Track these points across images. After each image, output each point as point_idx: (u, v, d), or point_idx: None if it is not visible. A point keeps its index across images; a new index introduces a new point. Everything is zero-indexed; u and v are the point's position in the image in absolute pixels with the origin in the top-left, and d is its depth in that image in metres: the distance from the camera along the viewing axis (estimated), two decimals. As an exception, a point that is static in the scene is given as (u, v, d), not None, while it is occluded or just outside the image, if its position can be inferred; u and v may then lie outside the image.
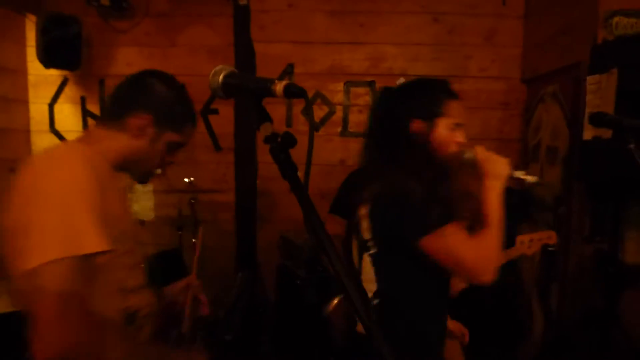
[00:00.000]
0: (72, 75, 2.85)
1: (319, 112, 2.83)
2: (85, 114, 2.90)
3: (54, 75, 2.83)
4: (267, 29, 2.78)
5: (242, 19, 2.75)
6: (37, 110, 2.91)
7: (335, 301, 1.87)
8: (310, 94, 2.81)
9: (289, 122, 2.81)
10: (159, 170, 1.09)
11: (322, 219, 0.52)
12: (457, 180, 1.18)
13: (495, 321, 2.29)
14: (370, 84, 2.78)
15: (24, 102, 2.86)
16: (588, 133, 1.77)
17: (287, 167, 0.53)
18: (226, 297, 2.49)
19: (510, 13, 2.66)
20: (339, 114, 2.82)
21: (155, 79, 1.03)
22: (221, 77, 0.59)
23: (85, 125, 2.90)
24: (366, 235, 1.17)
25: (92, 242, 0.80)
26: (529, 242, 1.55)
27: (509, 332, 2.36)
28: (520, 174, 1.13)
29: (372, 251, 1.18)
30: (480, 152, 1.14)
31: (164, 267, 2.19)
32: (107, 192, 0.90)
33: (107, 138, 0.99)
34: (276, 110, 2.77)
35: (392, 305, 1.16)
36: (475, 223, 1.11)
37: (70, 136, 2.93)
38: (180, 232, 2.45)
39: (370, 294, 1.19)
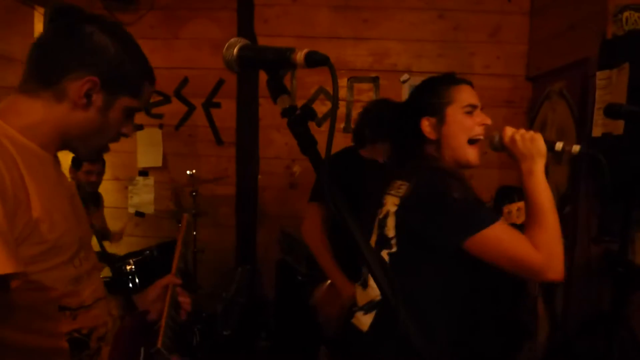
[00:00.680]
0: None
1: (321, 108, 2.80)
2: (89, 106, 2.87)
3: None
4: (270, 23, 2.75)
5: (246, 13, 2.74)
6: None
7: (322, 289, 1.83)
8: (313, 90, 2.79)
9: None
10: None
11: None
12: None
13: (499, 324, 2.26)
14: (374, 79, 2.76)
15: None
16: (597, 130, 1.75)
17: (306, 141, 0.50)
18: (225, 292, 2.47)
19: (516, 10, 2.64)
20: (342, 109, 2.79)
21: (95, 28, 0.78)
22: (236, 49, 0.56)
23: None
24: (390, 233, 1.11)
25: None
26: (516, 212, 1.47)
27: (513, 334, 2.33)
28: (560, 146, 1.01)
29: (393, 249, 1.10)
30: (509, 133, 1.04)
31: (163, 259, 2.16)
32: (35, 186, 0.70)
33: (35, 111, 0.75)
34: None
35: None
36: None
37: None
38: (180, 225, 2.42)
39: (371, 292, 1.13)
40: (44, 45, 0.78)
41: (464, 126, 1.08)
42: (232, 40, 0.57)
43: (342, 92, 2.80)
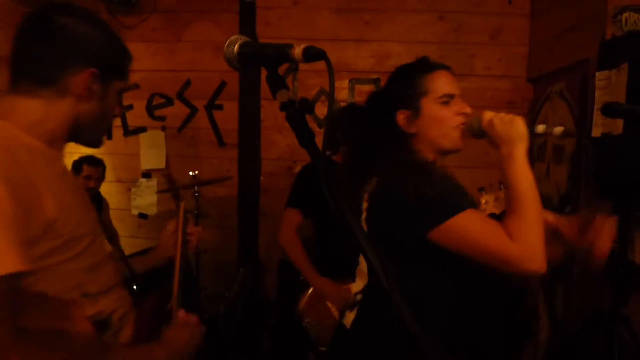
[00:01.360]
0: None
1: (323, 109, 2.82)
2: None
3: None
4: (272, 26, 2.77)
5: (247, 16, 2.76)
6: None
7: (306, 296, 1.85)
8: (314, 91, 2.81)
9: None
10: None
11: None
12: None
13: (500, 324, 2.26)
14: (375, 81, 2.77)
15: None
16: (597, 130, 1.76)
17: (304, 134, 0.51)
18: (227, 292, 2.48)
19: (516, 11, 2.66)
20: (343, 111, 2.81)
21: (74, 19, 0.78)
22: (236, 46, 0.58)
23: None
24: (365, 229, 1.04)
25: (7, 261, 0.63)
26: (494, 202, 1.43)
27: (514, 335, 2.33)
28: (542, 129, 0.96)
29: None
30: (487, 116, 0.97)
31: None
32: (41, 185, 0.71)
33: (36, 110, 0.76)
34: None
35: (377, 304, 1.01)
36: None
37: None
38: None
39: (358, 288, 1.11)
40: (30, 45, 0.77)
41: (440, 118, 1.02)
42: (233, 37, 0.59)
43: (344, 94, 2.82)
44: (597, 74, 1.74)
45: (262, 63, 0.56)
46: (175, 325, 0.93)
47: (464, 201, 0.95)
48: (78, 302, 0.78)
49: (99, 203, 2.61)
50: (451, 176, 1.05)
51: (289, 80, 2.81)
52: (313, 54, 0.51)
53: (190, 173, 2.52)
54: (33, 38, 0.77)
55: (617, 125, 1.59)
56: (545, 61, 2.46)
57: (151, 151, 2.88)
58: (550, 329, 2.23)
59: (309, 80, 2.80)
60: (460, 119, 1.02)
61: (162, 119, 2.87)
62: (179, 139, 2.87)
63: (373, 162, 1.05)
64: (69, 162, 2.52)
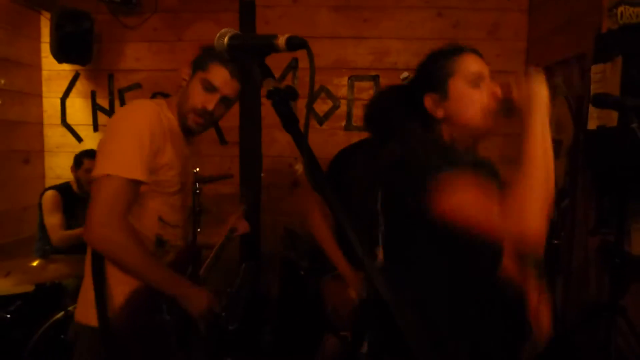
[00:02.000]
0: (83, 70, 2.90)
1: (323, 107, 2.85)
2: (95, 108, 2.95)
3: (66, 70, 2.88)
4: (272, 24, 2.80)
5: (247, 15, 2.79)
6: (50, 104, 2.96)
7: (328, 280, 1.86)
8: (314, 89, 2.83)
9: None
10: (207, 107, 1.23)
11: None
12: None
13: (498, 317, 2.27)
14: (374, 78, 2.80)
15: (38, 96, 2.92)
16: (592, 122, 1.77)
17: (289, 119, 0.54)
18: (230, 288, 2.51)
19: (514, 7, 2.67)
20: (343, 108, 2.83)
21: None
22: (226, 39, 0.61)
23: (95, 119, 2.96)
24: (380, 208, 1.04)
25: (136, 171, 1.09)
26: None
27: (512, 328, 2.35)
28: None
29: (381, 227, 1.04)
30: (512, 83, 0.92)
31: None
32: (167, 143, 1.16)
33: (175, 97, 1.27)
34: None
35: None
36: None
37: (80, 130, 2.99)
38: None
39: None
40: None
41: (469, 99, 0.96)
42: (223, 30, 0.62)
43: (343, 91, 2.84)
44: (592, 67, 1.75)
45: (250, 53, 0.59)
46: (197, 286, 1.24)
47: (467, 163, 0.90)
48: (154, 221, 1.20)
49: None
50: (482, 162, 1.02)
51: (289, 78, 2.84)
52: (295, 43, 0.54)
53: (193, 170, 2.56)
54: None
55: (612, 118, 1.61)
56: (543, 56, 2.47)
57: (154, 149, 2.92)
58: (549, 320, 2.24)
59: (307, 78, 2.83)
60: (490, 102, 0.97)
61: (164, 117, 2.91)
62: (181, 137, 2.92)
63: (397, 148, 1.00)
64: (69, 159, 2.59)
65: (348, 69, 2.81)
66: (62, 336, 1.86)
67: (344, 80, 2.82)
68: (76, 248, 2.10)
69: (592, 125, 1.76)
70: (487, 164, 1.07)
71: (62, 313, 1.92)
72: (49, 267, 1.94)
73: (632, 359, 1.71)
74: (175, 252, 1.28)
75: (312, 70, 0.48)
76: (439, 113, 0.99)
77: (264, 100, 2.85)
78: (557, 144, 2.28)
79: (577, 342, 1.92)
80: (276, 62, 2.84)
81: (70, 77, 2.93)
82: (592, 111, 1.76)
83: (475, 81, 0.98)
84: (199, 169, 2.62)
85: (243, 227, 1.68)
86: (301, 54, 2.75)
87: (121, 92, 2.92)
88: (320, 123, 2.84)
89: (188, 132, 1.27)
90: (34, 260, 2.01)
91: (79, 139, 2.98)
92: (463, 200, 0.84)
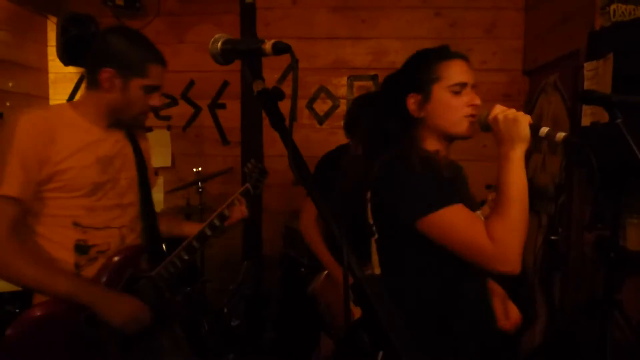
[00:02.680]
0: (88, 73, 2.97)
1: (323, 106, 2.89)
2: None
3: (72, 72, 2.94)
4: (271, 26, 2.85)
5: (248, 17, 2.84)
6: (55, 106, 3.04)
7: (320, 279, 1.91)
8: (314, 89, 2.87)
9: (291, 123, 2.88)
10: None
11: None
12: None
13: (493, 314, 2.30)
14: (373, 77, 2.83)
15: (45, 99, 2.98)
16: (586, 119, 1.80)
17: (276, 117, 0.58)
18: (232, 285, 2.56)
19: (510, 5, 2.70)
20: (342, 107, 2.87)
21: (109, 34, 1.17)
22: (219, 44, 0.65)
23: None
24: (370, 219, 1.08)
25: (7, 188, 1.04)
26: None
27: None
28: (545, 131, 0.91)
29: (375, 236, 1.08)
30: (494, 112, 0.95)
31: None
32: (63, 147, 1.10)
33: (90, 98, 1.19)
34: (281, 105, 2.84)
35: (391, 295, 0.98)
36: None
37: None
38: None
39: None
40: (88, 55, 1.18)
41: (450, 107, 1.01)
42: (217, 36, 0.66)
43: (343, 91, 2.88)
44: (585, 64, 1.78)
45: (241, 57, 0.63)
46: (117, 294, 1.16)
47: (454, 195, 0.96)
48: (69, 227, 1.14)
49: None
50: (454, 168, 1.06)
51: (289, 79, 2.88)
52: (280, 48, 0.59)
53: (194, 169, 2.62)
54: (91, 51, 1.18)
55: (605, 114, 1.63)
56: (539, 53, 2.50)
57: (157, 150, 2.97)
58: (547, 314, 2.27)
59: (308, 78, 2.87)
60: (469, 110, 1.01)
61: (167, 118, 2.96)
62: (184, 138, 2.96)
63: (378, 149, 1.06)
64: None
65: (347, 69, 2.85)
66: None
67: (343, 80, 2.86)
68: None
69: (586, 121, 1.79)
70: (459, 169, 1.12)
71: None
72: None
73: (629, 351, 1.73)
74: (109, 256, 1.19)
75: (296, 73, 0.52)
76: (420, 114, 1.04)
77: (264, 100, 2.89)
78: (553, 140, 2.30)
79: (574, 336, 1.95)
80: (276, 62, 2.88)
81: (75, 80, 2.99)
82: (586, 108, 1.78)
83: (458, 89, 1.02)
84: (202, 169, 2.69)
85: (238, 213, 1.40)
86: (303, 53, 2.82)
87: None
88: (320, 123, 2.88)
89: (120, 126, 1.22)
90: None
91: (85, 140, 3.04)
92: (450, 235, 0.94)
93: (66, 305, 1.10)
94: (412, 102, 1.05)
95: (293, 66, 0.54)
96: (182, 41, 2.91)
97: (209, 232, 1.33)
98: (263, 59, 0.69)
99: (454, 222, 0.93)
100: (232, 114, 2.92)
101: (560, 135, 0.93)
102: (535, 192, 2.37)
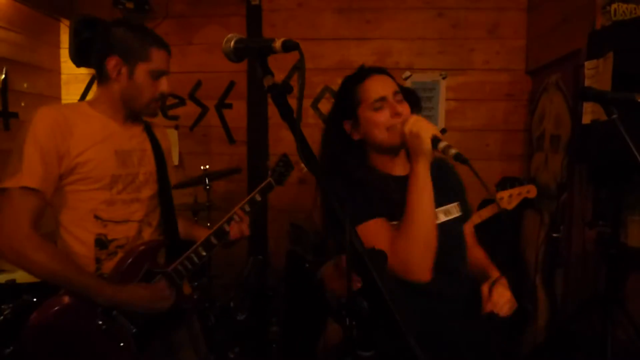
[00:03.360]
0: (98, 74, 3.04)
1: (328, 106, 2.93)
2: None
3: (84, 74, 3.02)
4: (277, 27, 2.90)
5: (254, 19, 2.89)
6: (67, 106, 3.12)
7: (329, 266, 1.95)
8: (319, 88, 2.92)
9: (299, 116, 2.93)
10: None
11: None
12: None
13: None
14: (378, 77, 2.87)
15: (57, 99, 3.06)
16: (587, 117, 1.83)
17: (285, 110, 0.63)
18: (239, 282, 2.61)
19: (513, 5, 2.73)
20: (347, 107, 2.92)
21: (111, 26, 1.19)
22: (232, 43, 0.70)
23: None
24: None
25: (29, 180, 1.06)
26: (508, 198, 1.55)
27: (514, 319, 2.39)
28: (442, 146, 0.94)
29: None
30: (407, 126, 0.99)
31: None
32: (82, 141, 1.13)
33: (103, 93, 1.21)
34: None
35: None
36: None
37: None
38: (195, 218, 2.59)
39: None
40: (94, 48, 1.21)
41: (376, 124, 1.06)
42: (230, 35, 0.71)
43: (347, 91, 2.92)
44: (585, 63, 1.81)
45: (252, 55, 0.68)
46: (139, 284, 1.18)
47: (373, 211, 1.01)
48: (90, 220, 1.16)
49: None
50: (387, 182, 1.09)
51: (294, 79, 2.93)
52: (289, 46, 0.63)
53: (202, 167, 2.67)
54: (96, 46, 1.21)
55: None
56: (542, 53, 2.53)
57: (165, 149, 3.03)
58: (549, 312, 2.29)
59: (313, 78, 2.92)
60: (396, 120, 1.05)
61: (175, 118, 3.02)
62: (192, 137, 3.02)
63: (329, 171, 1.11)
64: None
65: (351, 69, 2.82)
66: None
67: (348, 80, 2.90)
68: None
69: (586, 119, 1.82)
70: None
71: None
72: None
73: (630, 348, 1.75)
74: (127, 250, 1.20)
75: (302, 68, 0.57)
76: (356, 136, 1.12)
77: (270, 101, 2.94)
78: (556, 139, 2.33)
79: (576, 333, 1.97)
80: (282, 63, 2.93)
81: (87, 80, 3.06)
82: (587, 106, 1.81)
83: (378, 104, 1.07)
84: (209, 166, 2.75)
85: (237, 231, 1.36)
86: (309, 53, 2.84)
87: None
88: (325, 121, 2.92)
89: (136, 119, 1.25)
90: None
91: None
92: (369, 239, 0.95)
93: (75, 301, 1.11)
94: (347, 126, 1.13)
95: (301, 61, 0.58)
96: (190, 43, 2.97)
97: (227, 229, 1.34)
98: (269, 61, 0.72)
99: (368, 237, 0.96)
100: (238, 114, 2.98)
101: (452, 151, 0.94)
102: (538, 190, 2.40)
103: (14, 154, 1.09)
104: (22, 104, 2.60)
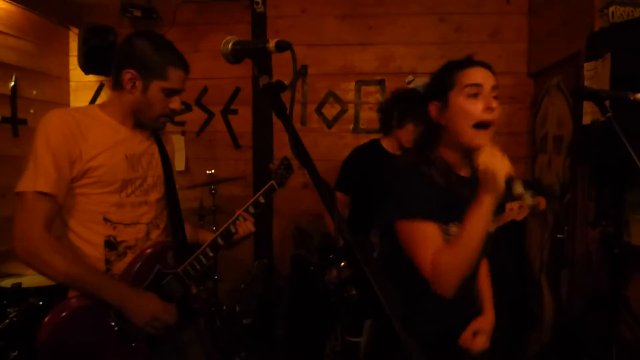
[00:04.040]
0: (108, 81, 3.11)
1: (331, 111, 2.97)
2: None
3: (92, 81, 3.10)
4: (282, 34, 2.96)
5: (259, 26, 2.96)
6: (75, 113, 3.19)
7: (335, 269, 1.98)
8: (322, 94, 2.96)
9: (303, 121, 2.98)
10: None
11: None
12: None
13: (505, 309, 2.32)
14: (380, 82, 2.91)
15: (66, 106, 3.14)
16: (587, 118, 1.84)
17: (279, 107, 0.66)
18: (243, 283, 2.63)
19: (514, 10, 2.75)
20: (350, 111, 2.95)
21: (135, 38, 1.20)
22: (230, 45, 0.74)
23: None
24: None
25: (42, 184, 1.08)
26: (518, 209, 1.58)
27: (520, 319, 2.38)
28: (518, 191, 0.91)
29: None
30: (483, 158, 0.95)
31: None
32: (94, 146, 1.15)
33: (116, 99, 1.24)
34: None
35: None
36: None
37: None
38: (201, 222, 2.63)
39: None
40: (115, 58, 1.22)
41: (465, 111, 1.02)
42: (228, 38, 0.75)
43: (350, 95, 2.96)
44: (585, 65, 1.82)
45: (249, 56, 0.72)
46: (141, 293, 1.18)
47: (426, 211, 1.01)
48: (100, 222, 1.18)
49: None
50: (462, 182, 1.09)
51: (299, 84, 2.98)
52: (282, 46, 0.67)
53: (207, 172, 2.72)
54: (117, 54, 1.22)
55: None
56: (543, 56, 2.54)
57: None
58: (555, 312, 2.28)
59: (317, 84, 2.97)
60: (487, 115, 1.01)
61: (182, 124, 3.08)
62: (198, 143, 3.08)
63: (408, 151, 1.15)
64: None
65: (355, 74, 2.93)
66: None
67: (351, 85, 2.94)
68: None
69: (587, 120, 1.83)
70: (467, 183, 1.14)
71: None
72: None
73: (636, 347, 1.74)
74: (136, 251, 1.22)
75: (295, 68, 0.60)
76: (440, 120, 1.09)
77: (275, 105, 2.99)
78: (558, 139, 2.34)
79: (581, 332, 1.96)
80: (286, 68, 2.98)
81: (95, 88, 3.15)
82: (587, 106, 1.82)
83: (473, 90, 1.03)
84: (214, 171, 2.79)
85: (244, 229, 1.38)
86: (313, 59, 2.92)
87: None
88: (329, 127, 2.96)
89: (148, 128, 1.27)
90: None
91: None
92: (406, 245, 1.03)
93: (98, 299, 1.13)
94: (433, 109, 1.10)
95: (293, 59, 0.62)
96: (196, 50, 3.04)
97: (234, 230, 1.36)
98: (274, 70, 0.75)
99: (415, 235, 1.01)
100: (243, 119, 3.03)
101: (529, 200, 0.94)
102: (541, 191, 2.40)
103: (28, 158, 1.11)
104: (31, 111, 2.67)
